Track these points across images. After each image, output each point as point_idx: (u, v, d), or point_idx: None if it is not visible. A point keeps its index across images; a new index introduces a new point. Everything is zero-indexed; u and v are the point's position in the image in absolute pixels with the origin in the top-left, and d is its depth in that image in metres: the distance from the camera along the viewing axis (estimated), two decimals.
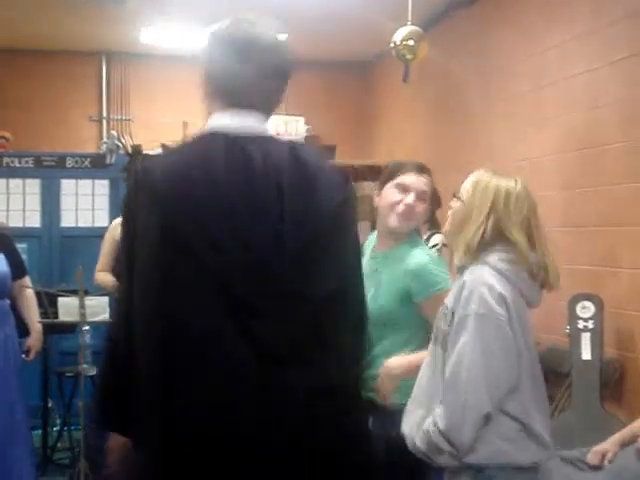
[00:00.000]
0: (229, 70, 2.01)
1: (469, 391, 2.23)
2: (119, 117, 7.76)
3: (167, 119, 7.66)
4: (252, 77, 2.00)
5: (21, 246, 5.16)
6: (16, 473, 4.40)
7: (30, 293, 4.60)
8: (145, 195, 1.93)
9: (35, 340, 4.59)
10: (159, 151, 6.99)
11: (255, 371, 1.85)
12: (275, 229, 1.89)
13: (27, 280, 4.65)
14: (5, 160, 6.42)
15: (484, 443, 2.27)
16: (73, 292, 4.51)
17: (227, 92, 2.03)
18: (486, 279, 2.30)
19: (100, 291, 4.80)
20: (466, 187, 2.42)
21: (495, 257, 2.34)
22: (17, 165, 6.45)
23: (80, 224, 6.56)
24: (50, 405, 5.60)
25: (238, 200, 1.90)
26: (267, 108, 2.05)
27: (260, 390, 1.85)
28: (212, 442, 1.86)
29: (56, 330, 5.14)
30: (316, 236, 1.92)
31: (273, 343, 1.87)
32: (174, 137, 7.39)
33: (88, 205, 6.59)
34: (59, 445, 5.59)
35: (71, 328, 5.17)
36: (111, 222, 6.31)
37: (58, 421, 5.79)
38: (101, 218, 6.51)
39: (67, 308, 4.37)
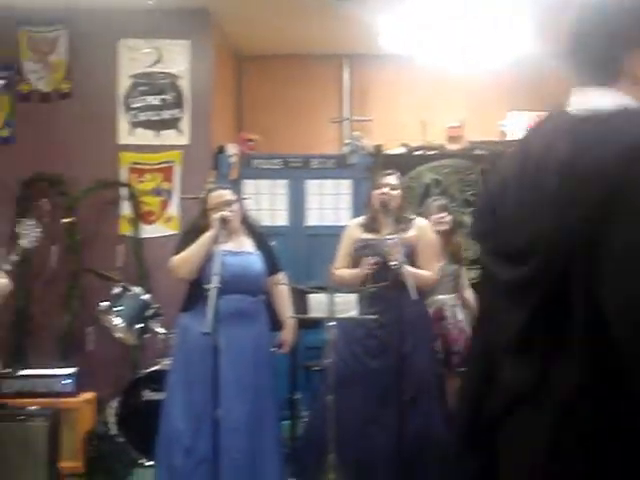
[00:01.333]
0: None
1: None
2: (359, 118, 7.91)
3: (406, 119, 7.73)
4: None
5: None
6: (263, 462, 4.59)
7: (284, 289, 4.79)
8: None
9: (289, 334, 4.77)
10: (399, 150, 7.11)
11: None
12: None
13: (281, 276, 4.84)
14: (255, 162, 6.74)
15: None
16: (322, 289, 4.63)
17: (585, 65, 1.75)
18: None
19: (344, 289, 4.89)
20: None
21: None
22: (266, 167, 6.76)
23: (324, 223, 6.76)
24: (298, 397, 5.81)
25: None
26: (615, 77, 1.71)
27: None
28: None
29: (304, 325, 5.33)
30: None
31: None
32: (413, 137, 7.49)
33: (332, 204, 6.78)
34: None
35: (317, 323, 5.35)
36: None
37: (305, 413, 6.00)
38: (344, 217, 6.68)
39: (317, 304, 4.50)
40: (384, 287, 4.57)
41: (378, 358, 4.55)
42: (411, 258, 4.68)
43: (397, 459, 4.41)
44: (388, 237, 4.63)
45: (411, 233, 4.78)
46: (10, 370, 5.63)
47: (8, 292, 4.18)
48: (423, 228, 4.87)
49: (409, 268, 4.54)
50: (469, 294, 5.65)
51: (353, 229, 4.92)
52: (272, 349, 4.76)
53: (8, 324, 6.35)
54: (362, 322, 4.58)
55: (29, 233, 4.26)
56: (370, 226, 4.84)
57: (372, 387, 4.54)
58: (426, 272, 4.74)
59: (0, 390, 5.38)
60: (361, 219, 4.96)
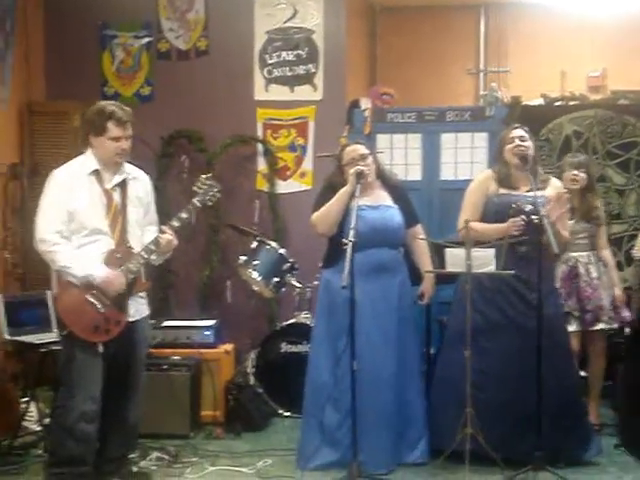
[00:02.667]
0: None
1: None
2: (496, 69, 7.72)
3: (545, 69, 7.48)
4: None
5: None
6: (409, 413, 4.64)
7: (423, 242, 4.76)
8: None
9: (429, 285, 4.76)
10: (538, 102, 6.91)
11: None
12: None
13: (419, 228, 4.81)
14: (389, 116, 6.67)
15: None
16: (458, 243, 4.57)
17: None
18: None
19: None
20: None
21: None
22: (400, 120, 6.67)
23: (459, 177, 6.65)
24: (432, 352, 5.79)
25: None
26: None
27: None
28: None
29: (438, 280, 5.30)
30: None
31: None
32: (552, 87, 7.25)
33: (467, 158, 6.64)
34: None
35: (452, 279, 5.30)
36: None
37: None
38: (479, 171, 6.55)
39: (455, 259, 4.44)
40: (526, 243, 4.49)
41: (524, 314, 4.50)
42: None
43: (534, 410, 4.41)
44: (528, 194, 4.53)
45: (549, 192, 4.66)
46: (154, 321, 5.84)
47: (173, 248, 4.28)
48: (558, 188, 4.78)
49: (557, 226, 4.51)
50: (607, 252, 5.48)
51: (487, 182, 4.79)
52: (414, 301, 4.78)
53: (151, 277, 6.56)
54: (507, 280, 4.51)
55: (207, 191, 4.32)
56: (506, 181, 4.71)
57: (515, 342, 4.50)
58: (564, 231, 4.66)
59: None
60: (491, 172, 4.83)
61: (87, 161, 4.14)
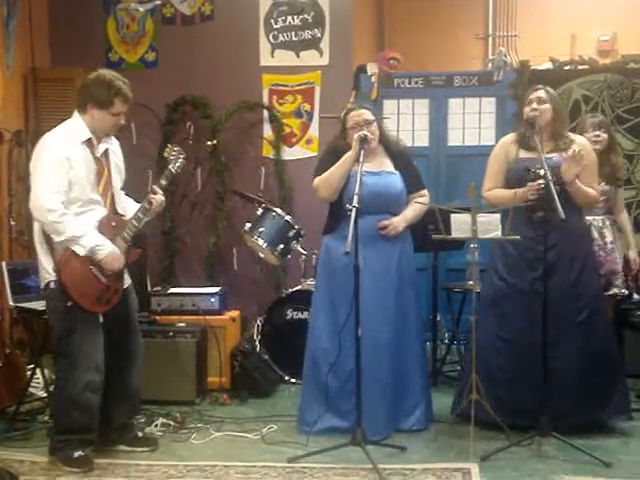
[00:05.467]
0: None
1: None
2: (505, 34, 7.62)
3: (554, 33, 7.38)
4: None
5: None
6: (407, 380, 4.61)
7: (419, 206, 4.63)
8: None
9: (400, 218, 4.57)
10: (547, 66, 6.82)
11: None
12: None
13: (424, 192, 4.73)
14: (396, 81, 6.61)
15: None
16: (464, 209, 4.52)
17: None
18: None
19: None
20: None
21: None
22: (407, 86, 6.63)
23: (467, 143, 6.60)
24: (439, 319, 5.78)
25: None
26: None
27: None
28: None
29: (445, 247, 5.27)
30: None
31: None
32: (561, 51, 7.15)
33: (475, 124, 6.59)
34: (448, 358, 5.77)
35: (459, 245, 5.27)
36: (497, 140, 6.35)
37: (446, 335, 5.99)
38: (487, 136, 6.50)
39: (459, 225, 4.40)
40: (540, 209, 4.37)
41: (543, 280, 4.40)
42: None
43: (566, 379, 4.43)
44: (548, 156, 4.40)
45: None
46: (160, 288, 5.83)
47: (161, 208, 4.29)
48: (584, 147, 4.51)
49: (578, 184, 4.38)
50: (624, 216, 5.38)
51: (506, 147, 4.65)
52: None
53: (156, 245, 6.57)
54: (529, 245, 4.44)
55: (176, 159, 4.32)
56: (526, 143, 4.57)
57: (535, 308, 4.37)
58: (591, 190, 4.50)
59: (150, 308, 5.58)
60: (514, 136, 4.70)
61: (79, 128, 4.06)
